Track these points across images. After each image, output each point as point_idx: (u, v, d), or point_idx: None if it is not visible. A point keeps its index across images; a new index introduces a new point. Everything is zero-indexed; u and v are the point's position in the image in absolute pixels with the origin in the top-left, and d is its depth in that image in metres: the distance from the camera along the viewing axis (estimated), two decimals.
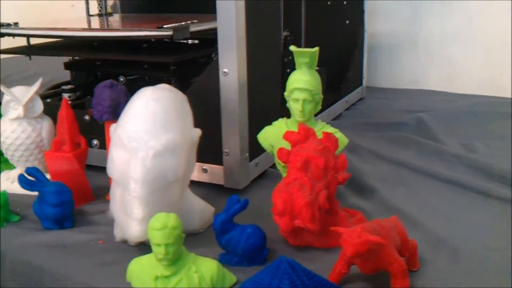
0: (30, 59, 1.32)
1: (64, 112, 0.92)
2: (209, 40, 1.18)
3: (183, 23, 1.07)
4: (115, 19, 1.52)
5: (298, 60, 0.87)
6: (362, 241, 0.62)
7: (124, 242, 0.80)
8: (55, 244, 0.80)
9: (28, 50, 1.29)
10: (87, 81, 1.32)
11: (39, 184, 0.81)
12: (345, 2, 1.64)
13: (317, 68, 0.90)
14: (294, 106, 0.87)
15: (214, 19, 0.95)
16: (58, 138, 0.93)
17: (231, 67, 0.92)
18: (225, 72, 0.92)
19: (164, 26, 1.06)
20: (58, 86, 1.48)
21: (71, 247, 0.79)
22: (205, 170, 0.99)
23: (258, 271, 0.68)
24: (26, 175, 0.82)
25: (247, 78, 0.94)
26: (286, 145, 0.82)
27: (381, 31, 1.84)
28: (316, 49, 0.87)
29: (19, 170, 0.99)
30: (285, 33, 1.28)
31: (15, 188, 0.97)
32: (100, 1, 1.68)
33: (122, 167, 0.74)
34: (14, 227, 0.86)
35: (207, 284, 0.66)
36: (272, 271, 0.64)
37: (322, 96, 0.88)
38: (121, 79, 1.23)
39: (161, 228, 0.64)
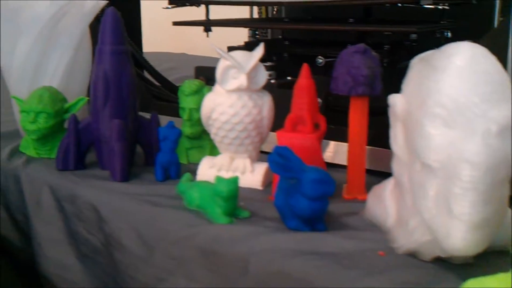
0: (208, 36, 1.15)
1: (304, 82, 0.72)
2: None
3: None
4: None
5: None
6: None
7: (411, 254, 0.57)
8: (316, 252, 0.58)
9: (207, 23, 1.12)
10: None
11: (295, 168, 0.61)
12: None
13: None
14: None
15: None
16: (294, 114, 0.72)
17: None
18: None
19: None
20: None
21: (342, 257, 0.57)
22: None
23: None
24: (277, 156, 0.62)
25: None
26: None
27: None
28: None
29: (226, 157, 0.80)
30: None
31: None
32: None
33: (445, 148, 0.51)
34: (248, 225, 0.65)
35: None
36: None
37: None
38: (320, 60, 1.02)
39: None
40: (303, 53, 1.06)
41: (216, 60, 1.39)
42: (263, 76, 0.77)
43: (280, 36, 1.25)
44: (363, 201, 0.72)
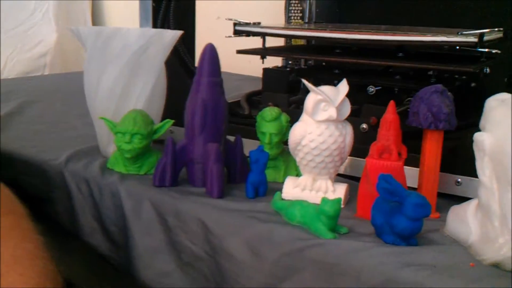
0: (263, 62, 1.26)
1: (390, 117, 0.84)
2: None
3: (485, 30, 0.98)
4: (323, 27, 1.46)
5: None
6: None
7: (495, 265, 0.70)
8: (419, 264, 0.70)
9: (264, 51, 1.23)
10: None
11: (400, 192, 0.72)
12: None
13: None
14: None
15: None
16: (380, 144, 0.84)
17: None
18: None
19: (465, 32, 0.97)
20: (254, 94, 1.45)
21: (442, 268, 0.69)
22: (458, 183, 0.90)
23: None
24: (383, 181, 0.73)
25: None
26: None
27: None
28: None
29: (309, 178, 0.91)
30: None
31: (305, 196, 0.89)
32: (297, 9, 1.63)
33: None
34: (350, 240, 0.76)
35: None
36: None
37: None
38: (371, 89, 1.14)
39: None
40: (354, 82, 1.18)
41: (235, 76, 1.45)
42: (348, 108, 0.88)
43: (323, 64, 1.37)
44: (436, 219, 0.84)
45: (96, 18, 2.84)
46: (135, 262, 0.92)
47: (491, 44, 1.06)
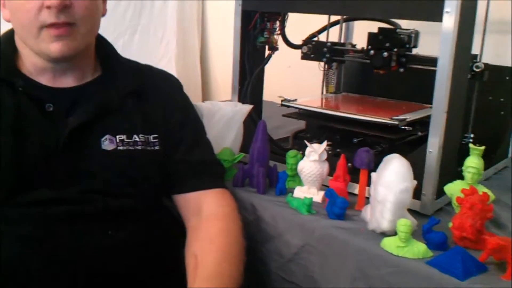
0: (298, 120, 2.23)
1: (341, 162, 1.79)
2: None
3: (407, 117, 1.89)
4: (346, 100, 2.41)
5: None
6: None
7: (373, 230, 1.63)
8: (343, 227, 1.64)
9: (298, 117, 2.21)
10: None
11: (335, 197, 1.68)
12: None
13: None
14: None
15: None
16: (337, 173, 1.79)
17: (434, 148, 1.71)
18: (430, 151, 1.72)
19: (394, 117, 1.89)
20: (297, 132, 2.40)
21: (353, 230, 1.63)
22: None
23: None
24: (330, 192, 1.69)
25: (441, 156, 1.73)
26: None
27: None
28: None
29: (307, 187, 1.87)
30: None
31: (303, 196, 1.85)
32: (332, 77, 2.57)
33: (383, 195, 1.57)
34: (315, 216, 1.73)
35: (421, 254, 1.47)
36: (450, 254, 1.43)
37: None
38: (355, 140, 2.09)
39: (404, 224, 1.46)
40: (345, 135, 2.11)
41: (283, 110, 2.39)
42: (325, 155, 1.83)
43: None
44: (361, 210, 1.77)
45: (202, 57, 3.93)
46: None
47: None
